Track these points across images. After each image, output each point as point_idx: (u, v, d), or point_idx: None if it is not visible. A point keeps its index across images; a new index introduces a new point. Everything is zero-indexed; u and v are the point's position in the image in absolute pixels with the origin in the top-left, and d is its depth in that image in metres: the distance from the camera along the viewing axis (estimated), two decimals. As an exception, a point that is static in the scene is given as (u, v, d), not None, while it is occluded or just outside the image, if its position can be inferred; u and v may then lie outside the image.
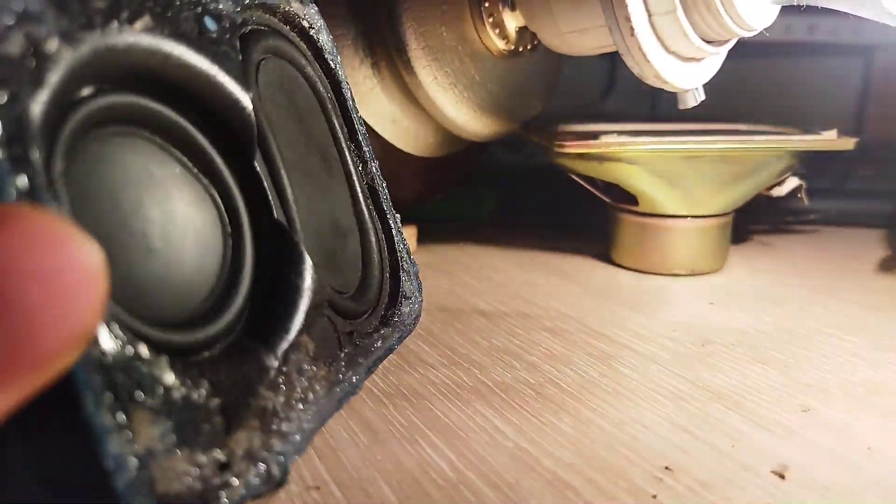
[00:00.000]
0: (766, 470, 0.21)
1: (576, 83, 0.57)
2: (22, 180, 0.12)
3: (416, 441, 0.22)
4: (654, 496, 0.20)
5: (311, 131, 0.24)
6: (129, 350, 0.14)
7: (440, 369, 0.28)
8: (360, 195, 0.26)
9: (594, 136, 0.39)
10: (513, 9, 0.38)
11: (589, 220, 0.47)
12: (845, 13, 0.32)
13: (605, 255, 0.44)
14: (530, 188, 0.56)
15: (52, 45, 0.14)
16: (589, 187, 0.43)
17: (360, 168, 0.26)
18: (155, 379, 0.14)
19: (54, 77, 0.14)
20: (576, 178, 0.43)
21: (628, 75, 0.34)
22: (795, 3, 0.33)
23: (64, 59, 0.14)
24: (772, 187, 0.46)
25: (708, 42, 0.33)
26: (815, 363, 0.29)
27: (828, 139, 0.41)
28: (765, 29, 0.34)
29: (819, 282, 0.40)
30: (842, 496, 0.20)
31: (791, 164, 0.42)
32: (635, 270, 0.42)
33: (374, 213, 0.26)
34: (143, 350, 0.14)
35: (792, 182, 0.47)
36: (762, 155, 0.40)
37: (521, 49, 0.40)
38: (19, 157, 0.12)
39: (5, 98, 0.12)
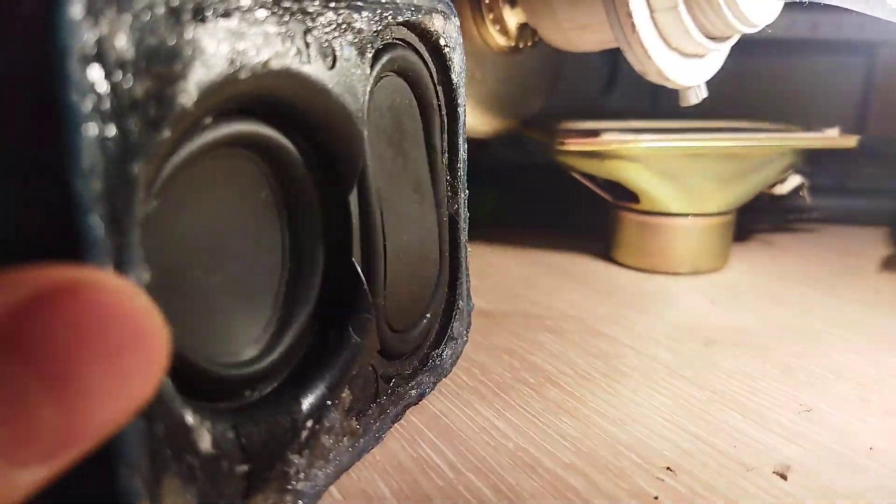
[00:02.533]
0: (769, 470, 0.21)
1: (577, 80, 0.56)
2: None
3: (416, 441, 0.22)
4: (656, 497, 0.19)
5: (409, 156, 0.23)
6: (178, 418, 0.13)
7: (440, 368, 0.28)
8: (442, 226, 0.25)
9: (595, 133, 0.38)
10: (513, 5, 0.38)
11: (590, 219, 0.47)
12: (848, 10, 0.31)
13: (606, 253, 0.44)
14: (531, 186, 0.56)
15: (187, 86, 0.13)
16: (590, 185, 0.43)
17: (449, 196, 0.25)
18: (193, 447, 0.14)
19: (182, 111, 0.13)
20: (577, 176, 0.43)
21: (630, 72, 0.34)
22: (798, 0, 0.32)
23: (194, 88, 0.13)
24: (774, 185, 0.46)
25: (710, 38, 0.33)
26: (817, 362, 0.28)
27: (830, 137, 0.41)
28: (767, 25, 0.33)
29: (821, 280, 0.40)
30: (844, 496, 0.20)
31: (793, 162, 0.42)
32: (637, 269, 0.41)
33: (448, 245, 0.25)
34: (189, 418, 0.14)
35: (794, 180, 0.47)
36: (764, 153, 0.40)
37: (521, 45, 0.40)
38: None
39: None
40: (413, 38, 0.22)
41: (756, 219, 0.49)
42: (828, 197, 0.51)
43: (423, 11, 0.21)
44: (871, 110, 0.67)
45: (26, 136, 0.11)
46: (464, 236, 0.26)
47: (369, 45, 0.19)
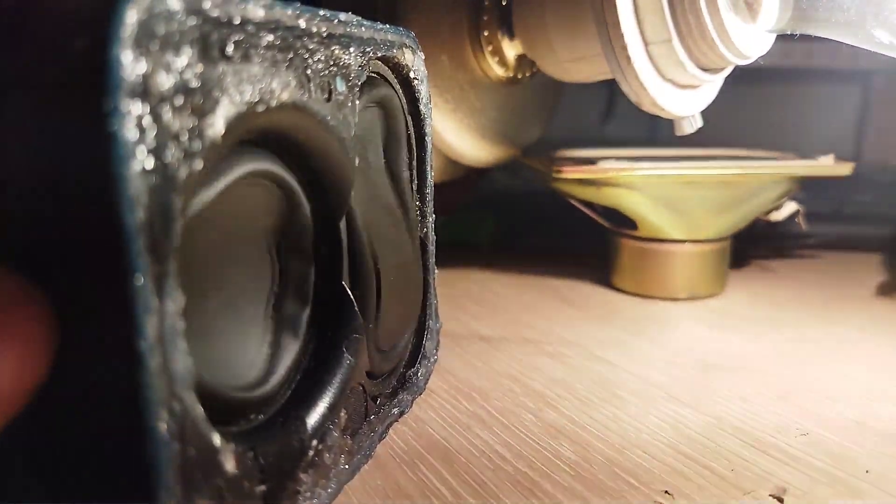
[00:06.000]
0: (765, 493, 0.21)
1: (575, 109, 0.57)
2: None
3: (416, 465, 0.23)
4: (654, 521, 0.20)
5: (376, 184, 0.24)
6: (207, 442, 0.14)
7: (440, 394, 0.28)
8: (416, 249, 0.26)
9: (593, 161, 0.39)
10: (511, 37, 0.39)
11: (588, 245, 0.47)
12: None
13: (604, 279, 0.44)
14: (530, 213, 0.56)
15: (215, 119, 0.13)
16: (588, 212, 0.44)
17: (418, 221, 0.26)
18: (220, 469, 0.14)
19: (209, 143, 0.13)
20: (575, 203, 0.44)
21: (627, 101, 0.35)
22: (789, 32, 0.33)
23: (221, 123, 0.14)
24: (770, 212, 0.46)
25: (704, 70, 0.34)
26: (813, 387, 0.29)
27: (825, 165, 0.41)
28: (761, 55, 0.34)
29: (818, 306, 0.40)
30: (841, 521, 0.20)
31: (789, 189, 0.42)
32: (635, 295, 0.42)
33: (420, 268, 0.26)
34: (216, 440, 0.14)
35: (790, 207, 0.47)
36: (760, 180, 0.41)
37: (520, 76, 0.41)
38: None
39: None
40: (387, 72, 0.23)
41: (753, 245, 0.49)
42: (824, 223, 0.52)
43: (395, 46, 0.23)
44: (866, 138, 0.68)
45: (75, 167, 0.11)
46: (432, 259, 0.27)
47: (356, 79, 0.20)
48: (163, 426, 0.12)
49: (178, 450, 0.13)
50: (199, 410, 0.14)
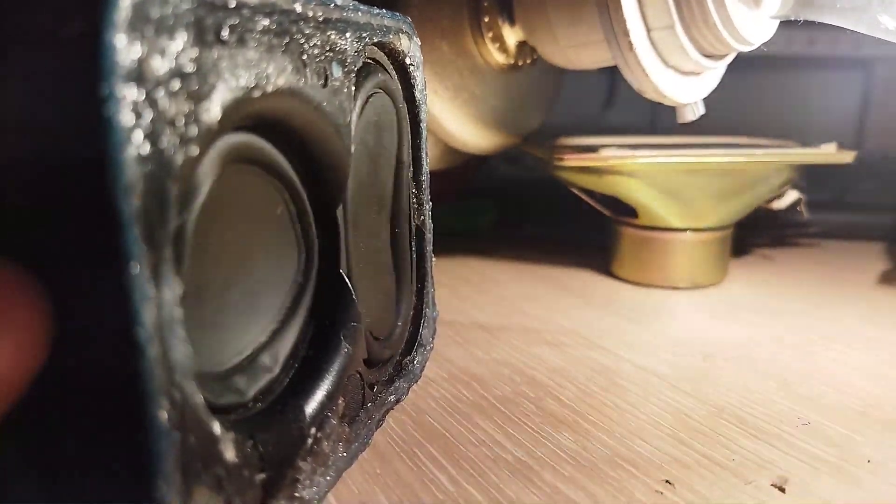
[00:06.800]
0: (767, 483, 0.21)
1: (576, 96, 0.57)
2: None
3: (416, 455, 0.22)
4: (654, 510, 0.20)
5: (379, 171, 0.24)
6: (206, 430, 0.14)
7: (440, 383, 0.28)
8: (407, 237, 0.25)
9: (594, 149, 0.39)
10: (512, 24, 0.39)
11: (589, 233, 0.47)
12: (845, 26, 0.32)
13: (605, 268, 0.44)
14: (530, 201, 0.56)
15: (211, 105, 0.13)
16: (589, 200, 0.43)
17: (414, 208, 0.26)
18: (220, 457, 0.14)
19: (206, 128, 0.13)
20: (576, 192, 0.43)
21: (628, 89, 0.35)
22: (793, 18, 0.33)
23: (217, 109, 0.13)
24: (772, 200, 0.46)
25: (706, 56, 0.34)
26: (815, 376, 0.29)
27: (827, 152, 0.41)
28: (764, 42, 0.34)
29: (819, 295, 0.40)
30: (843, 510, 0.20)
31: (790, 178, 0.42)
32: (635, 283, 0.42)
33: (415, 255, 0.26)
34: (216, 428, 0.14)
35: (792, 195, 0.47)
36: (761, 168, 0.40)
37: (520, 63, 0.41)
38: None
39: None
40: (383, 58, 0.23)
41: (754, 234, 0.49)
42: (826, 212, 0.52)
43: (392, 32, 0.22)
44: (868, 126, 0.67)
45: (70, 153, 0.11)
46: (429, 246, 0.26)
47: (352, 65, 0.20)
48: (163, 415, 0.12)
49: (177, 438, 0.12)
50: (199, 399, 0.13)
